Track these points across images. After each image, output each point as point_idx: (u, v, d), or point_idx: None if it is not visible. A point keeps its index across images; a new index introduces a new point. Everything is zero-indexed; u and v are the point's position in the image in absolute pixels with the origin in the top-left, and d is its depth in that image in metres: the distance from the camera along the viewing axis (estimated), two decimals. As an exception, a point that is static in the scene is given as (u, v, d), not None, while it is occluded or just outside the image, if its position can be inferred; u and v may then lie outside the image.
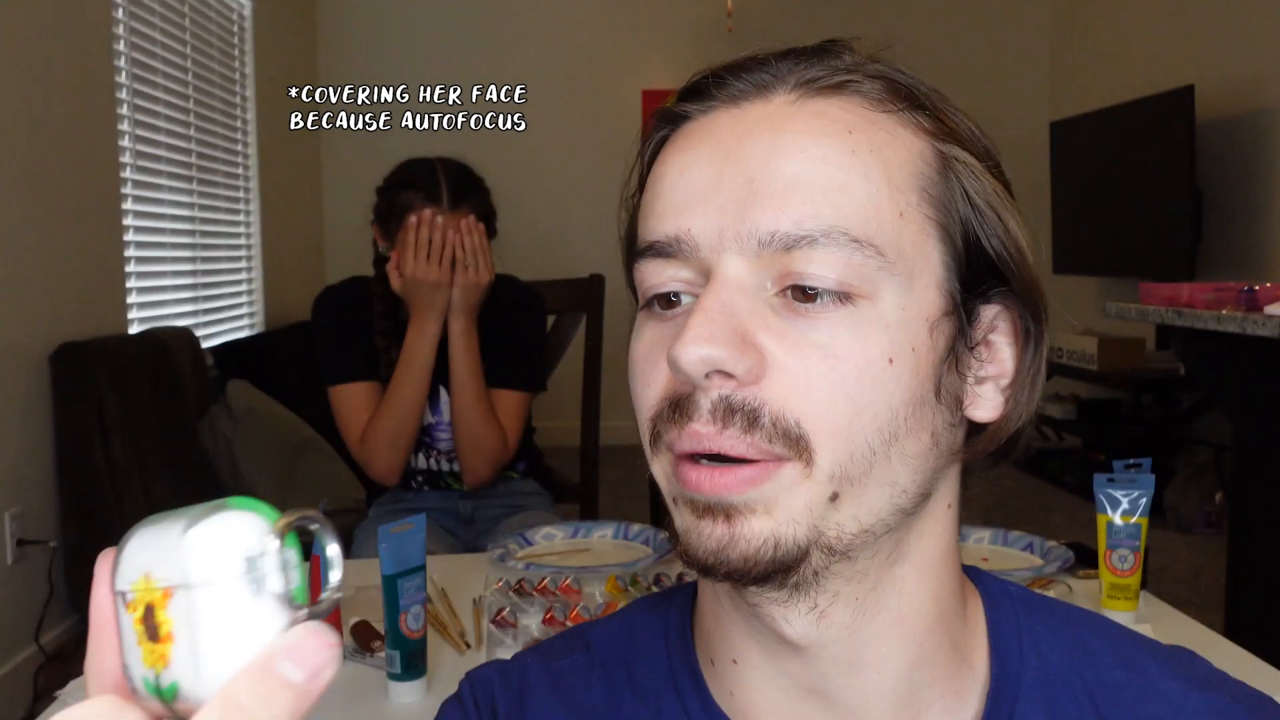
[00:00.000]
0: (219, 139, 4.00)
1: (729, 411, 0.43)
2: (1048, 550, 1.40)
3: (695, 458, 0.44)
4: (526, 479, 1.93)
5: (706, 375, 0.43)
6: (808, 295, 0.44)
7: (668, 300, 0.47)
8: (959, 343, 0.46)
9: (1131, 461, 1.21)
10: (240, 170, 4.25)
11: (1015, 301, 0.48)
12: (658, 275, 0.47)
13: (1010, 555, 1.43)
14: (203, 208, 3.82)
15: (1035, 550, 1.43)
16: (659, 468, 0.47)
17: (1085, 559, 1.36)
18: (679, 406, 0.44)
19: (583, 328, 2.06)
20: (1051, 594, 1.22)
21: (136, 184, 3.26)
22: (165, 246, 3.53)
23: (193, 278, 3.73)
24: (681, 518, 0.46)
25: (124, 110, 3.16)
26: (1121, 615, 1.18)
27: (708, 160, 0.46)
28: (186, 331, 3.26)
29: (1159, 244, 4.34)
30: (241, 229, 4.26)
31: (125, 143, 3.17)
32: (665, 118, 0.50)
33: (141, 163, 3.29)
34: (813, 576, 0.45)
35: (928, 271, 0.45)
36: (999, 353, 0.48)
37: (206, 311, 3.79)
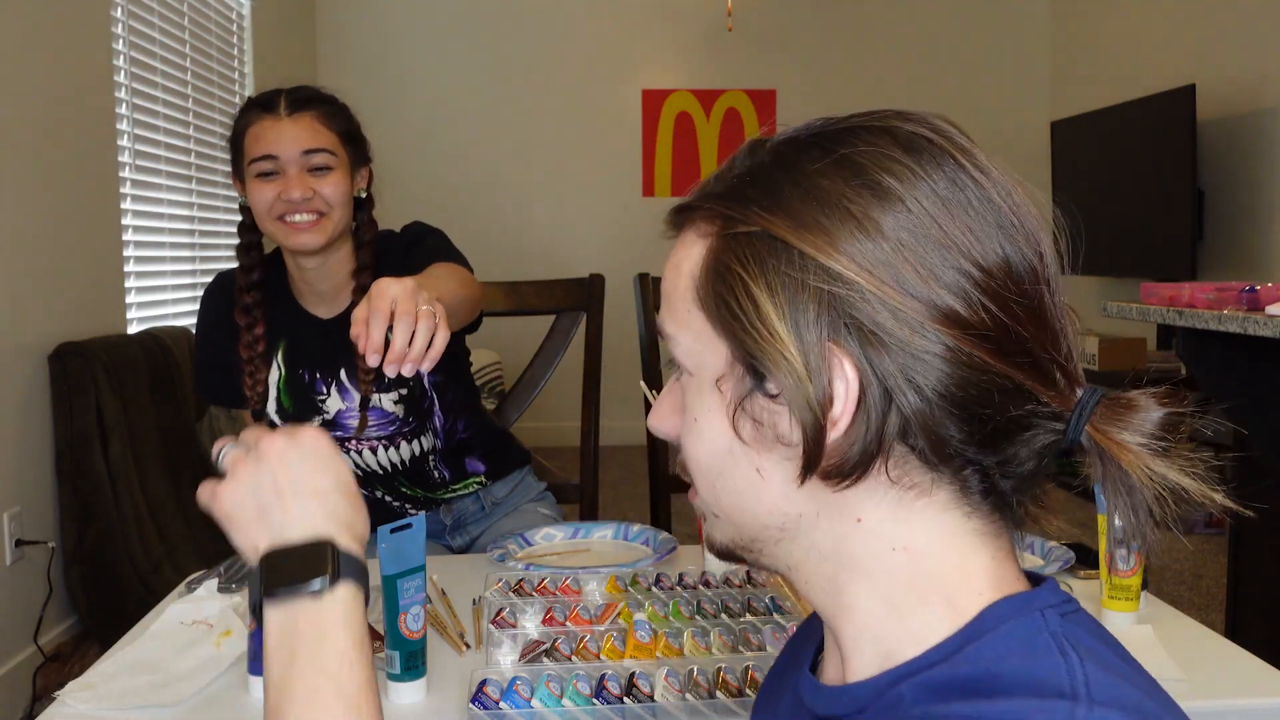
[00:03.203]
0: (218, 139, 4.00)
1: (675, 453, 0.63)
2: (1048, 551, 1.40)
3: None
4: (497, 481, 1.75)
5: None
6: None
7: None
8: (753, 392, 0.56)
9: (1133, 461, 1.21)
10: (240, 170, 4.25)
11: (848, 340, 0.54)
12: None
13: (1011, 555, 1.43)
14: (202, 208, 3.82)
15: (1036, 550, 1.42)
16: None
17: (1086, 559, 1.35)
18: None
19: (582, 327, 2.05)
20: (1052, 594, 1.22)
21: (136, 184, 3.26)
22: (164, 246, 3.53)
23: (192, 278, 3.73)
24: None
25: (123, 110, 3.16)
26: (1122, 616, 1.18)
27: None
28: (186, 331, 3.26)
29: (1160, 243, 4.33)
30: (241, 229, 4.26)
31: (125, 143, 3.17)
32: None
33: (141, 163, 3.29)
34: (761, 559, 0.61)
35: (713, 346, 0.57)
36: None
37: (206, 311, 3.79)
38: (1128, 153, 4.55)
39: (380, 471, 1.64)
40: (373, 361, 1.00)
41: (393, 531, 1.04)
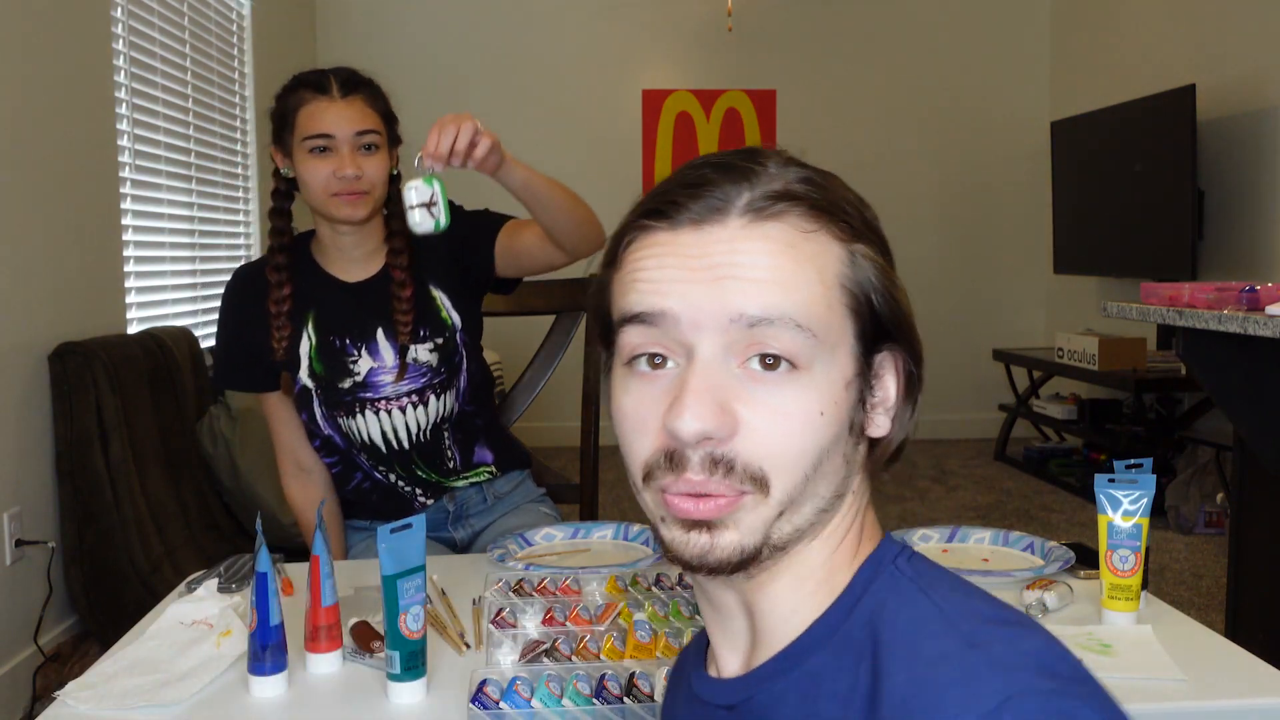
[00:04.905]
0: (218, 139, 4.00)
1: (714, 464, 0.60)
2: (1048, 551, 1.40)
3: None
4: (507, 474, 1.81)
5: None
6: (768, 365, 0.60)
7: (652, 360, 0.63)
8: (863, 388, 0.64)
9: (1132, 462, 1.21)
10: (239, 170, 4.25)
11: (899, 349, 0.65)
12: (642, 338, 0.63)
13: (1010, 556, 1.43)
14: (202, 207, 3.82)
15: (1036, 551, 1.42)
16: (649, 497, 0.64)
17: (1086, 559, 1.35)
18: (673, 459, 0.61)
19: (582, 327, 2.05)
20: (1052, 594, 1.21)
21: (136, 184, 3.26)
22: (164, 246, 3.53)
23: (192, 277, 3.73)
24: (670, 532, 0.63)
25: (123, 110, 3.16)
26: (1122, 616, 1.18)
27: (680, 261, 0.62)
28: (185, 331, 3.26)
29: (1160, 244, 4.33)
30: (241, 229, 4.26)
31: (125, 143, 3.17)
32: (635, 227, 0.65)
33: (141, 163, 3.29)
34: (760, 562, 0.63)
35: (844, 344, 0.62)
36: (886, 386, 0.66)
37: (206, 311, 3.79)
38: (1127, 153, 4.55)
39: (404, 439, 1.69)
40: (427, 164, 1.43)
41: (393, 532, 1.04)
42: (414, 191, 1.41)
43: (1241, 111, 4.10)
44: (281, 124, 1.64)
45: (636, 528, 1.59)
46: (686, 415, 0.59)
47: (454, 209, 1.72)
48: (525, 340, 2.25)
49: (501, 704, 0.99)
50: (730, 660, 0.69)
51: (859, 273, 0.63)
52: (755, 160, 0.64)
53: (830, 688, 0.60)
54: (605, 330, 0.68)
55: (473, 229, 1.72)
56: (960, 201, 5.72)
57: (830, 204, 0.63)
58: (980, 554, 1.44)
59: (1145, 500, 1.18)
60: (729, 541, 0.61)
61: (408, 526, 1.06)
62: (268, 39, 4.54)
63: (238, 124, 4.22)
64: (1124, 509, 1.19)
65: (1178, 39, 4.54)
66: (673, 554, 0.63)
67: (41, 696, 2.44)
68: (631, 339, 0.63)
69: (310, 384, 1.68)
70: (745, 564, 0.62)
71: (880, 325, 0.64)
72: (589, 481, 2.03)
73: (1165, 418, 4.33)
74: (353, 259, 1.70)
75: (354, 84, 1.63)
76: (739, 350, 0.61)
